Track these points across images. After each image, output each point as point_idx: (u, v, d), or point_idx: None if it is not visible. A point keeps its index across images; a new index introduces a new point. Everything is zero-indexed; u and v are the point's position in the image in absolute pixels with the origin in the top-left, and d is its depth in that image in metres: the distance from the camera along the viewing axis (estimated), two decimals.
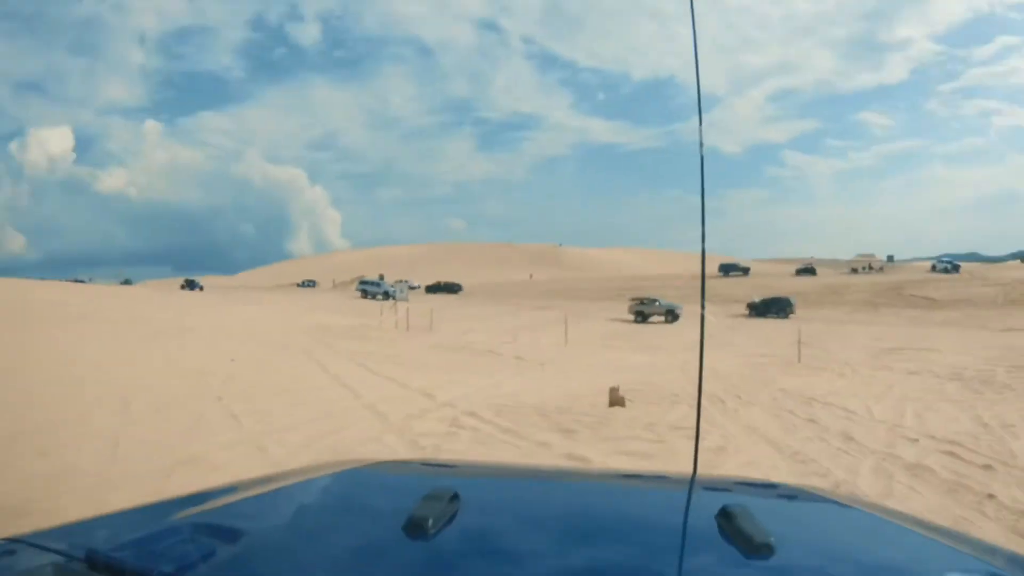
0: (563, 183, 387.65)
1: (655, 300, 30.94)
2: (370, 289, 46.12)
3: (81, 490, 4.46)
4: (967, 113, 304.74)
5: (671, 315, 29.02)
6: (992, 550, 1.03)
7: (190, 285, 58.34)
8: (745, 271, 59.88)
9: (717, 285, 46.63)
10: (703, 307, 2.41)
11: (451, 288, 56.82)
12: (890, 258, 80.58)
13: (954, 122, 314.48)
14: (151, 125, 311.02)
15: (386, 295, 42.68)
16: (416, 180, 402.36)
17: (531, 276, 78.43)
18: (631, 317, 30.37)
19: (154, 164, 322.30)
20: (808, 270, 63.21)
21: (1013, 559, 0.98)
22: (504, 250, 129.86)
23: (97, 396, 8.01)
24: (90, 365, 10.70)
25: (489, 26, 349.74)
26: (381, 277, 73.41)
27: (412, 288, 55.11)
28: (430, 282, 60.29)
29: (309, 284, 78.52)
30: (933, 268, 59.37)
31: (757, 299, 33.44)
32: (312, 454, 5.62)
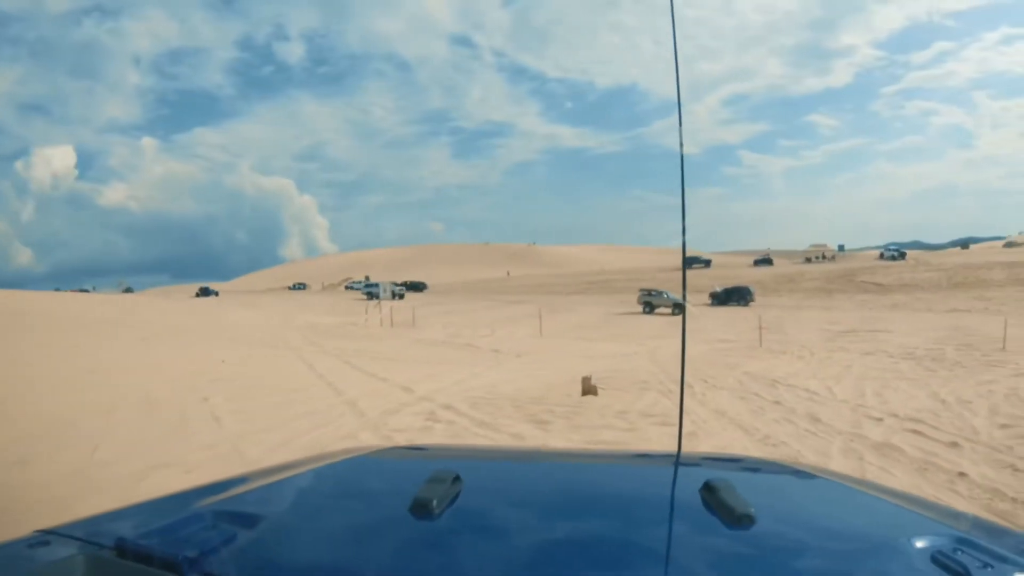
0: (534, 186, 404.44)
1: (663, 292, 31.07)
2: (375, 291, 43.91)
3: (47, 501, 4.21)
4: (908, 113, 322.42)
5: (678, 307, 28.88)
6: (956, 515, 1.09)
7: (205, 292, 57.19)
8: (707, 263, 61.23)
9: (680, 277, 47.53)
10: (684, 298, 2.60)
11: (416, 287, 58.45)
12: (841, 247, 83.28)
13: (896, 122, 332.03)
14: (148, 142, 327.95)
15: (393, 295, 41.61)
16: (397, 187, 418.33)
17: (508, 273, 78.81)
18: (602, 308, 30.81)
19: (152, 178, 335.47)
20: (765, 260, 65.21)
21: (977, 523, 1.04)
22: (482, 250, 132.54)
23: (87, 400, 7.86)
24: (84, 369, 10.47)
25: (463, 42, 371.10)
26: (367, 278, 72.60)
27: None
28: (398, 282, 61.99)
29: (300, 287, 78.31)
30: (881, 256, 61.84)
31: (719, 288, 34.09)
32: (287, 454, 5.37)
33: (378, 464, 1.36)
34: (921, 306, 27.71)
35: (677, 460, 1.40)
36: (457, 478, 0.98)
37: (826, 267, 51.90)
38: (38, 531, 0.86)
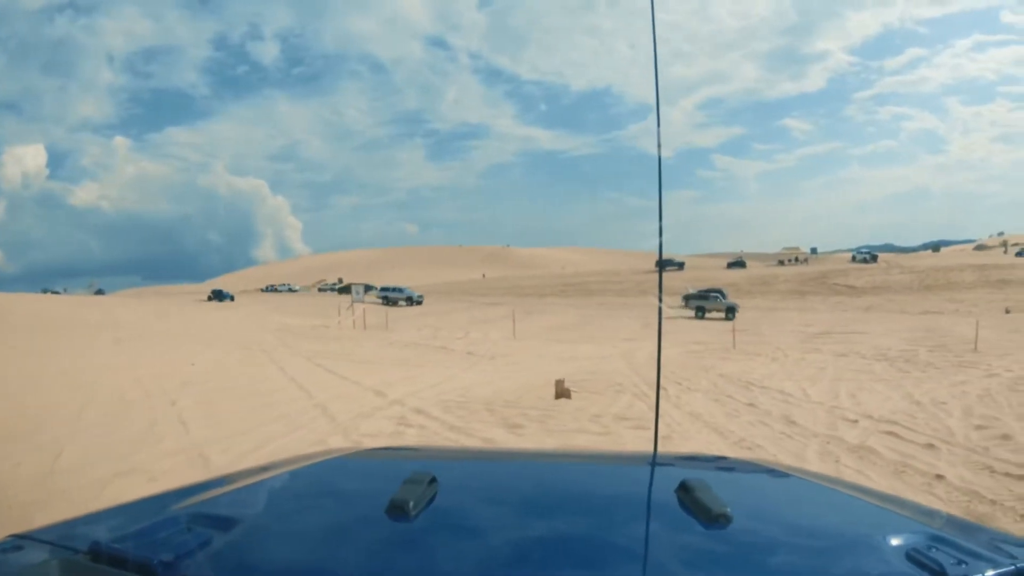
0: (509, 188, 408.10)
1: (718, 296, 30.26)
2: (392, 295, 41.05)
3: (10, 508, 4.05)
4: (881, 118, 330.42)
5: (731, 312, 27.78)
6: (930, 513, 1.08)
7: (218, 296, 49.40)
8: (680, 266, 61.60)
9: (654, 279, 47.74)
10: (660, 299, 2.53)
11: (369, 289, 58.02)
12: (814, 250, 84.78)
13: (869, 126, 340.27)
14: (120, 141, 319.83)
15: (409, 300, 39.90)
16: (371, 188, 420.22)
17: (483, 275, 78.52)
18: (578, 311, 30.58)
19: (124, 178, 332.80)
20: (739, 263, 66.05)
21: (951, 521, 1.04)
22: (456, 252, 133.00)
23: (56, 402, 7.74)
24: (56, 371, 10.30)
25: (438, 43, 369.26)
26: (340, 280, 70.91)
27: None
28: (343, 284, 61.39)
29: (271, 289, 76.44)
30: (853, 258, 62.98)
31: (692, 291, 34.21)
32: (255, 461, 5.07)
33: (355, 466, 1.35)
34: (894, 308, 28.20)
35: (653, 460, 1.40)
36: (433, 479, 0.98)
37: (799, 269, 52.69)
38: (11, 536, 0.84)
